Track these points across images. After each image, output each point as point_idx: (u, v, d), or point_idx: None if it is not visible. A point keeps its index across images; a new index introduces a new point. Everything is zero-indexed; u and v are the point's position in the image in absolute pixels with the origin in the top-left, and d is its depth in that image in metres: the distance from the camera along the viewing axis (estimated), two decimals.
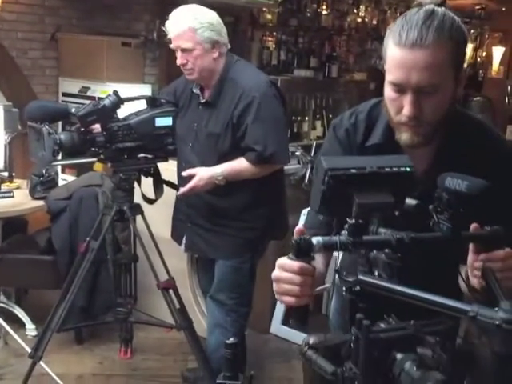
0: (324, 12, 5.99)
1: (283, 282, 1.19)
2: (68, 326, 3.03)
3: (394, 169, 1.15)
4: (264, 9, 5.53)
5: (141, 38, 4.75)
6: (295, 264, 1.15)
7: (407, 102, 1.34)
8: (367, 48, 6.37)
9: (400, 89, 1.35)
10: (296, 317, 1.25)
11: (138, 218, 2.88)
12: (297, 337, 3.37)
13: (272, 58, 5.57)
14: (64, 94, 5.07)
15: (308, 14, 5.87)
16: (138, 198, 2.92)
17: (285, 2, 5.67)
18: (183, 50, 2.54)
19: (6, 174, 3.20)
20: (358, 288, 1.09)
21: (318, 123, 5.73)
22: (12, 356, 3.35)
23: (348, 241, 1.11)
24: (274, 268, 1.22)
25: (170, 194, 2.92)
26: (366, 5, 6.26)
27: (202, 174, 2.55)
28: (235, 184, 2.57)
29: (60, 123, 3.88)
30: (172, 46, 2.59)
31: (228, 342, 1.32)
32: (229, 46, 2.63)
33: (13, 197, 3.63)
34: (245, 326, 2.85)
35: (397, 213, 1.16)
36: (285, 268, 1.18)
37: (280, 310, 3.71)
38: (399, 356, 1.00)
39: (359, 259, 1.13)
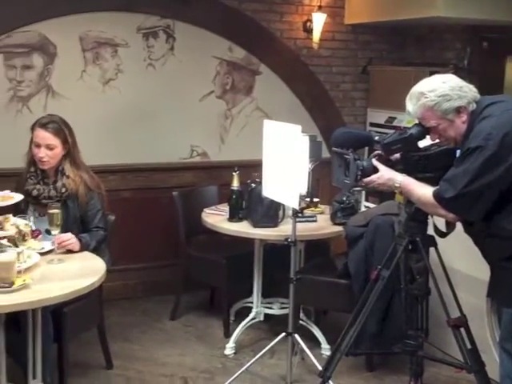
0: None
1: None
2: (358, 351, 3.09)
3: None
4: None
5: (450, 66, 4.67)
6: None
7: None
8: None
9: None
10: None
11: (432, 249, 2.81)
12: None
13: None
14: (371, 124, 5.25)
15: None
16: (431, 230, 2.85)
17: None
18: (431, 129, 2.54)
19: (308, 199, 3.43)
20: None
21: None
22: (306, 372, 3.54)
23: None
24: None
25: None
26: None
27: (385, 173, 2.67)
28: None
29: (366, 151, 4.00)
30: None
31: None
32: (478, 98, 2.48)
33: (316, 221, 3.86)
34: None
35: None
36: None
37: None
38: None
39: None
